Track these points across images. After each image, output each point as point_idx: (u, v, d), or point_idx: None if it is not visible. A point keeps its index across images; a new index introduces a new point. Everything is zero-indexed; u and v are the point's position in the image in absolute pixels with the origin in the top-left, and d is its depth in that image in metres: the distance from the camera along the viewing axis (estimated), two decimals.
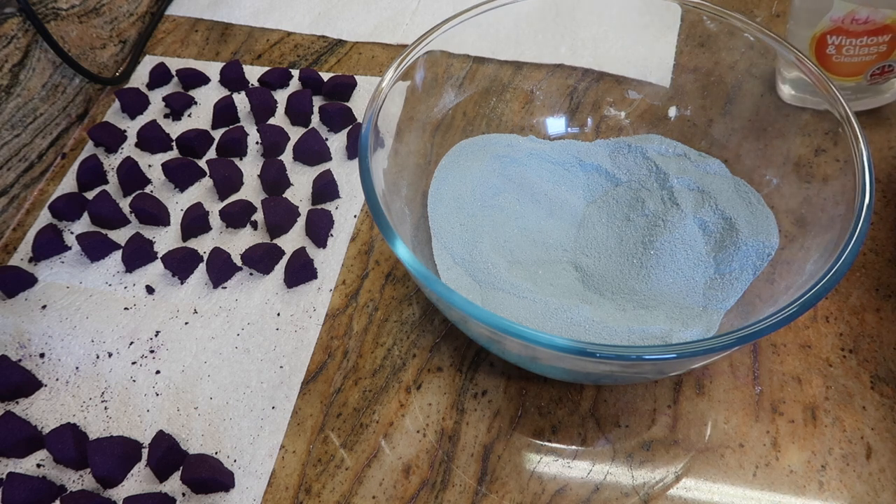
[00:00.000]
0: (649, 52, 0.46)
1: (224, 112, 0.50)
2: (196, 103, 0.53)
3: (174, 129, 0.51)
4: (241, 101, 0.52)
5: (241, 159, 0.49)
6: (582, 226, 0.42)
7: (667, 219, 0.40)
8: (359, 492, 0.35)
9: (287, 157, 0.49)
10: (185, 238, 0.45)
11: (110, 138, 0.50)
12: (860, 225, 0.29)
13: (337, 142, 0.50)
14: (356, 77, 0.53)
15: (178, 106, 0.51)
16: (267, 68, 0.54)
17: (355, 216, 0.46)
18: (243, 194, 0.47)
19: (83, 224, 0.46)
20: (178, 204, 0.47)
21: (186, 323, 0.41)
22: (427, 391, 0.38)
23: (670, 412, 0.37)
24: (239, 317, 0.41)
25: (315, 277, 0.43)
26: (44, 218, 0.47)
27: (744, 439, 0.35)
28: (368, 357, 0.39)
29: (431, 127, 0.42)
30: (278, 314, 0.41)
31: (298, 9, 0.60)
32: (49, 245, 0.44)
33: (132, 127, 0.51)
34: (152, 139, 0.49)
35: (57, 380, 0.39)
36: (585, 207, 0.43)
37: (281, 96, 0.53)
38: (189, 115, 0.52)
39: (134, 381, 0.39)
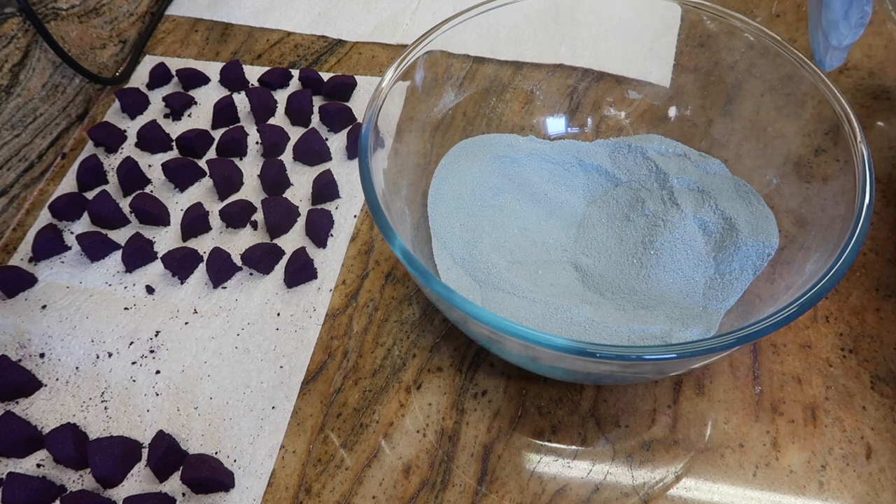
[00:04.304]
0: (649, 52, 0.46)
1: (224, 112, 0.50)
2: (196, 103, 0.53)
3: (174, 129, 0.51)
4: (241, 101, 0.52)
5: (241, 159, 0.49)
6: (582, 226, 0.42)
7: (667, 219, 0.40)
8: (359, 492, 0.35)
9: (287, 157, 0.49)
10: (185, 238, 0.45)
11: (110, 138, 0.50)
12: (860, 225, 0.29)
13: (337, 142, 0.50)
14: (356, 77, 0.53)
15: (178, 106, 0.51)
16: (267, 68, 0.54)
17: (355, 216, 0.46)
18: (243, 194, 0.47)
19: (83, 224, 0.46)
20: (178, 204, 0.47)
21: (186, 323, 0.41)
22: (427, 391, 0.38)
23: (670, 412, 0.37)
24: (239, 317, 0.41)
25: (315, 277, 0.43)
26: (44, 218, 0.47)
27: (744, 439, 0.35)
28: (368, 357, 0.39)
29: (431, 127, 0.42)
30: (278, 314, 0.41)
31: (298, 9, 0.60)
32: (49, 245, 0.44)
33: (132, 127, 0.51)
34: (152, 139, 0.49)
35: (57, 380, 0.39)
36: (585, 207, 0.43)
37: (281, 96, 0.53)
38: (189, 115, 0.52)
39: (134, 381, 0.39)
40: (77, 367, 0.39)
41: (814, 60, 0.35)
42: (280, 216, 0.44)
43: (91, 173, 0.47)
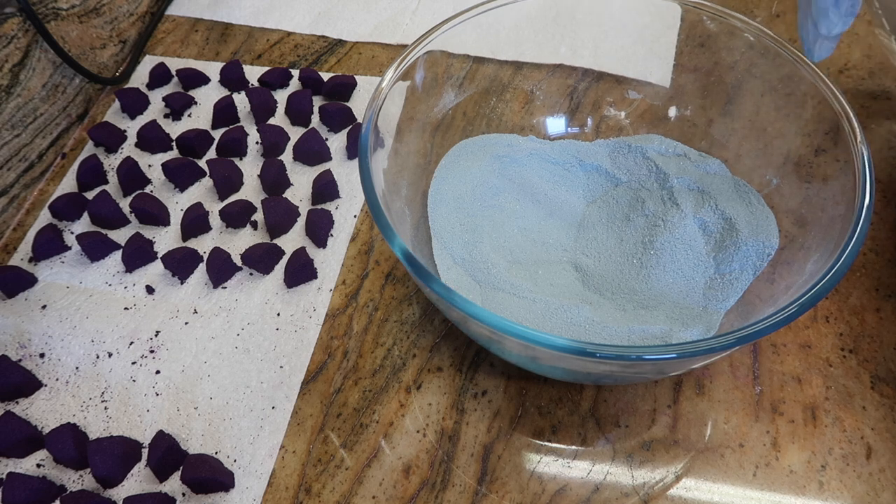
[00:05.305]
0: (649, 52, 0.46)
1: (224, 112, 0.50)
2: (196, 103, 0.53)
3: (174, 129, 0.51)
4: (241, 101, 0.52)
5: (241, 159, 0.49)
6: (582, 226, 0.42)
7: (667, 219, 0.40)
8: (359, 492, 0.35)
9: (287, 157, 0.49)
10: (185, 238, 0.45)
11: (110, 138, 0.50)
12: (860, 225, 0.29)
13: (337, 142, 0.50)
14: (356, 77, 0.53)
15: (178, 106, 0.51)
16: (267, 68, 0.54)
17: (355, 216, 0.46)
18: (243, 194, 0.47)
19: (83, 224, 0.46)
20: (178, 204, 0.47)
21: (186, 323, 0.41)
22: (427, 391, 0.38)
23: (670, 412, 0.37)
24: (239, 317, 0.41)
25: (315, 277, 0.43)
26: (44, 218, 0.47)
27: (744, 439, 0.35)
28: (368, 357, 0.39)
29: (431, 127, 0.42)
30: (278, 314, 0.41)
31: (298, 9, 0.60)
32: (49, 245, 0.44)
33: (132, 127, 0.51)
34: (152, 139, 0.49)
35: (57, 380, 0.39)
36: (585, 207, 0.43)
37: (281, 96, 0.53)
38: (189, 115, 0.52)
39: (134, 381, 0.39)
40: (77, 367, 0.39)
41: (805, 52, 0.35)
42: (280, 216, 0.44)
43: (91, 173, 0.47)
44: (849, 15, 0.30)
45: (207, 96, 0.53)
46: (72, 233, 0.46)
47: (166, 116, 0.52)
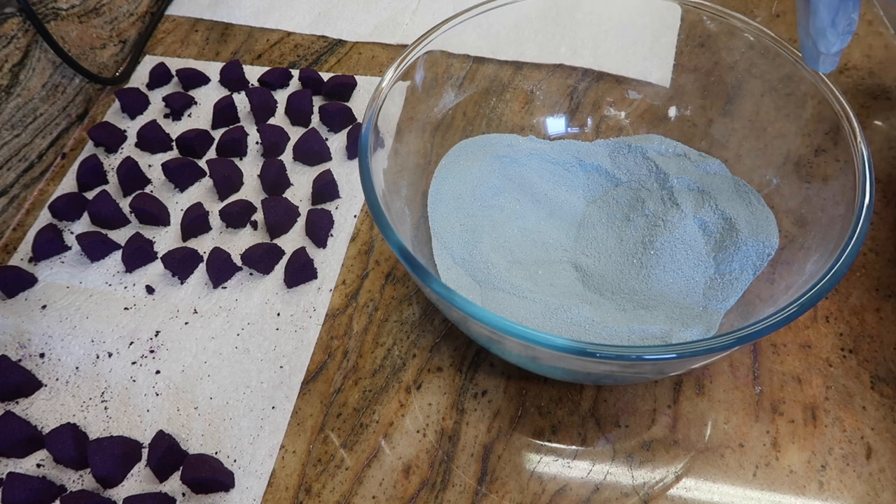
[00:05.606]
0: (649, 52, 0.46)
1: (224, 112, 0.50)
2: (196, 103, 0.53)
3: (174, 129, 0.51)
4: (241, 101, 0.52)
5: (241, 159, 0.49)
6: (582, 226, 0.42)
7: (667, 219, 0.40)
8: (359, 492, 0.35)
9: (287, 157, 0.49)
10: (185, 238, 0.45)
11: (110, 138, 0.50)
12: (860, 225, 0.29)
13: (337, 142, 0.50)
14: (356, 77, 0.53)
15: (178, 106, 0.51)
16: (267, 68, 0.54)
17: (355, 216, 0.46)
18: (243, 194, 0.47)
19: (83, 224, 0.46)
20: (178, 204, 0.47)
21: (186, 323, 0.41)
22: (427, 391, 0.38)
23: (670, 412, 0.37)
24: (239, 317, 0.41)
25: (315, 277, 0.43)
26: (44, 218, 0.47)
27: (744, 439, 0.35)
28: (368, 357, 0.39)
29: (431, 127, 0.42)
30: (278, 314, 0.41)
31: (298, 9, 0.60)
32: (49, 245, 0.44)
33: (132, 127, 0.51)
34: (152, 139, 0.49)
35: (57, 380, 0.39)
36: (585, 207, 0.43)
37: (281, 96, 0.53)
38: (189, 115, 0.52)
39: (134, 381, 0.39)
40: (77, 367, 0.39)
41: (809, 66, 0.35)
42: (280, 216, 0.44)
43: (91, 173, 0.47)
44: (846, 33, 0.30)
45: (207, 96, 0.53)
46: (72, 233, 0.46)
47: (166, 116, 0.52)
